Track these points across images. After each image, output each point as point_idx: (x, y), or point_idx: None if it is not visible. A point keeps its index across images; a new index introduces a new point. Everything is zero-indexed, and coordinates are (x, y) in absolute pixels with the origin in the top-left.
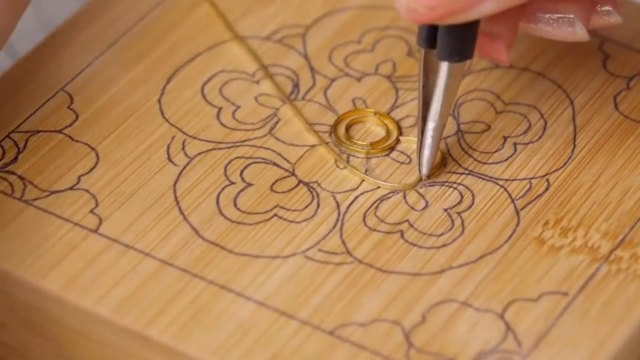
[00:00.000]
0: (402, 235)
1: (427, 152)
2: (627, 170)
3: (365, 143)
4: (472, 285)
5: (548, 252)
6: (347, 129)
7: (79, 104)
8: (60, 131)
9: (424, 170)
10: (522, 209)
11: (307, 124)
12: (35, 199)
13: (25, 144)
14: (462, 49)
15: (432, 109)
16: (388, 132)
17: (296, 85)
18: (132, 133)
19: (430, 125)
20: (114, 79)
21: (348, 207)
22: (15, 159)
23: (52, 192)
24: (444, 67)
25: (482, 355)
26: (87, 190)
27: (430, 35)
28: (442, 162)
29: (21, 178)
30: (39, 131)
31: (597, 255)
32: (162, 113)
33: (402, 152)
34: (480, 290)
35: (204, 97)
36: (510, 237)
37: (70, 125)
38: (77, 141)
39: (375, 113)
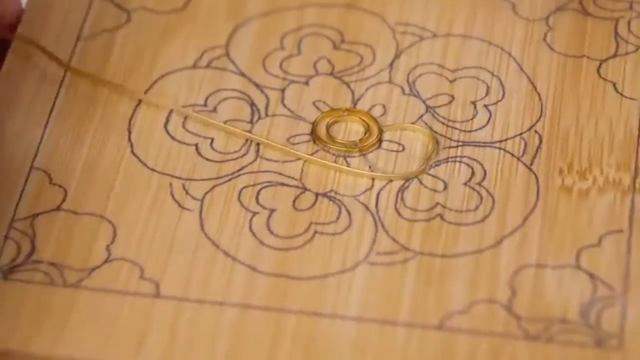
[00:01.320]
0: (442, 218)
1: None
2: (598, 104)
3: (354, 141)
4: (534, 247)
5: (579, 198)
6: (328, 133)
7: (59, 177)
8: (58, 208)
9: None
10: (531, 164)
11: (282, 146)
12: (80, 280)
13: (33, 230)
14: None
15: None
16: (368, 125)
17: (253, 105)
18: (129, 192)
19: None
20: (76, 143)
21: (376, 206)
22: (33, 247)
23: (92, 269)
24: None
25: (587, 306)
26: (124, 259)
27: None
28: (434, 141)
29: (52, 264)
30: (37, 214)
31: (623, 188)
32: (145, 164)
33: (391, 141)
34: (544, 249)
35: (173, 138)
36: (538, 193)
37: (64, 200)
38: (81, 214)
39: (345, 110)
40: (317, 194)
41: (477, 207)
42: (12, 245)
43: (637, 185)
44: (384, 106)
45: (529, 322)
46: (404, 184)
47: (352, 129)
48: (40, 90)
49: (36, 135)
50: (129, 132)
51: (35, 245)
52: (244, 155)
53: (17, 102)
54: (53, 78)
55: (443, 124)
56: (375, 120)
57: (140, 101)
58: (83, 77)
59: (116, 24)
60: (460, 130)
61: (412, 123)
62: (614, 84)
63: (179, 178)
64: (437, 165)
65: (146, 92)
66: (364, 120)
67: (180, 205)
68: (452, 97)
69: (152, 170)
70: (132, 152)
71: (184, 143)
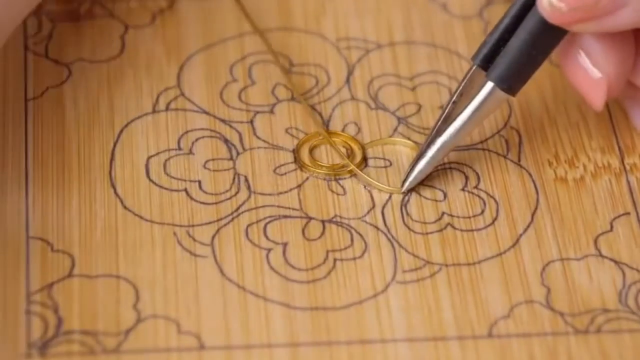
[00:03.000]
0: (453, 227)
1: (420, 166)
2: (560, 90)
3: (341, 163)
4: (552, 243)
5: (577, 187)
6: (312, 158)
7: (60, 244)
8: (70, 275)
9: (407, 185)
10: (519, 160)
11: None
12: (119, 345)
13: (53, 300)
14: (514, 81)
15: (452, 125)
16: (349, 145)
17: (227, 141)
18: (136, 248)
19: (441, 139)
20: (64, 206)
21: (386, 225)
22: (60, 318)
23: (128, 331)
24: (487, 87)
25: (623, 293)
26: (155, 316)
27: (490, 55)
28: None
29: (85, 332)
30: (51, 284)
31: (615, 171)
32: (141, 217)
33: (376, 158)
34: (563, 242)
35: (160, 186)
36: (536, 188)
37: (73, 265)
38: (95, 277)
39: (321, 133)
40: (322, 222)
41: (482, 212)
42: (37, 320)
43: (627, 166)
44: (356, 124)
45: (573, 317)
46: (404, 198)
47: (334, 151)
48: (6, 160)
49: (20, 205)
50: (114, 187)
51: (60, 315)
52: (237, 193)
53: None
54: (15, 147)
55: (420, 132)
56: (354, 139)
57: (113, 155)
58: (48, 136)
59: (59, 80)
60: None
61: (390, 137)
62: None
63: (181, 226)
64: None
65: (115, 144)
66: (343, 141)
67: (192, 254)
68: (419, 105)
69: (151, 222)
70: (125, 206)
71: (173, 190)
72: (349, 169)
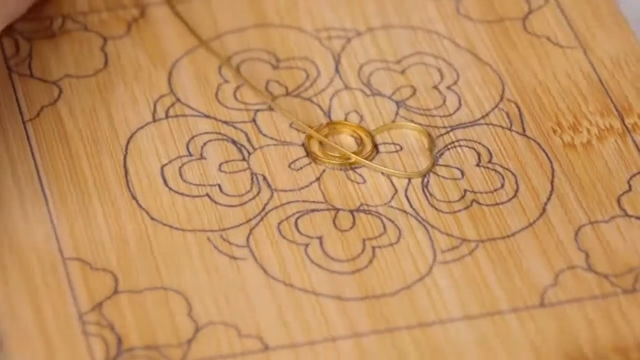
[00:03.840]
0: (478, 203)
1: None
2: (545, 59)
3: (355, 152)
4: (578, 208)
5: (586, 151)
6: (323, 150)
7: (98, 262)
8: (116, 292)
9: None
10: (524, 131)
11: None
12: (185, 355)
13: (107, 319)
14: None
15: None
16: (358, 134)
17: (235, 142)
18: (174, 257)
19: None
20: (91, 225)
21: (413, 208)
22: (118, 337)
23: (189, 341)
24: None
25: None
26: (212, 323)
27: None
28: (426, 132)
29: (148, 348)
30: (100, 303)
31: (618, 131)
32: (171, 226)
33: (385, 143)
34: (588, 207)
35: (182, 193)
36: (548, 157)
37: (117, 282)
38: (142, 291)
39: (328, 124)
40: (351, 212)
41: (502, 186)
42: (96, 340)
43: (629, 126)
44: (357, 112)
45: (617, 277)
46: (423, 180)
47: (343, 142)
48: (21, 186)
49: (47, 229)
50: (135, 200)
51: (117, 333)
52: (259, 192)
53: (10, 207)
54: (26, 173)
55: (421, 114)
56: (361, 127)
57: (126, 167)
58: (55, 156)
59: (52, 98)
60: (441, 116)
61: (393, 121)
62: (548, 37)
63: (212, 231)
64: (441, 155)
65: (125, 156)
66: (351, 130)
67: (231, 257)
68: (413, 87)
69: (182, 230)
70: (152, 218)
71: (195, 196)
72: (363, 156)
